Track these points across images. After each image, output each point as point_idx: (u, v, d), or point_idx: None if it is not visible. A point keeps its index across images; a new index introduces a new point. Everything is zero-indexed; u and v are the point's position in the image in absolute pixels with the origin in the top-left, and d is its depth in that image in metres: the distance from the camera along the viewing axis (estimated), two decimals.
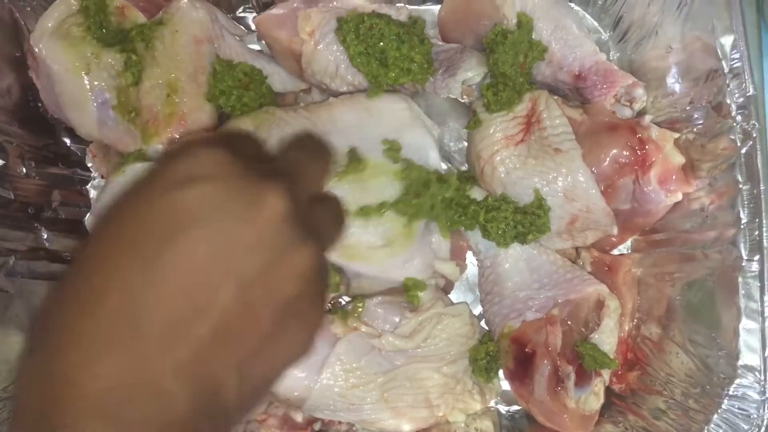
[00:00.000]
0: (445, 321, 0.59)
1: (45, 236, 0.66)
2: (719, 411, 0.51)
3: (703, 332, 0.55)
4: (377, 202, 0.57)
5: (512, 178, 0.59)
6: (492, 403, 0.63)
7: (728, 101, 0.54)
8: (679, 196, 0.60)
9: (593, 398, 0.57)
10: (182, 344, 0.27)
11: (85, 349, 0.27)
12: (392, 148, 0.58)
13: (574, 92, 0.65)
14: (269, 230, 0.29)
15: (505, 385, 0.62)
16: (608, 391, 0.60)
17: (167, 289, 0.27)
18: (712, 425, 0.51)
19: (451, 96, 0.63)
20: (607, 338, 0.58)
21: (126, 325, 0.27)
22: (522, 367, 0.57)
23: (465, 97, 0.63)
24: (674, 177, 0.59)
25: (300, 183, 0.33)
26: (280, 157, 0.35)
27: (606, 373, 0.59)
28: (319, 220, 0.33)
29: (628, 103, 0.63)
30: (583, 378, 0.57)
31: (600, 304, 0.58)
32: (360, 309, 0.60)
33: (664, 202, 0.60)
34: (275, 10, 0.64)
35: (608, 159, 0.60)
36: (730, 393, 0.51)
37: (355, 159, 0.57)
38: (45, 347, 0.27)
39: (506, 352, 0.59)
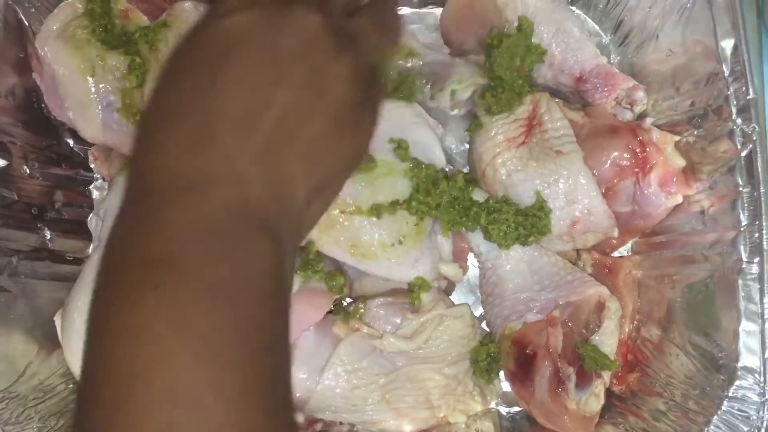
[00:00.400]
0: (447, 322, 0.60)
1: (48, 236, 0.66)
2: (719, 412, 0.51)
3: (703, 334, 0.55)
4: (389, 201, 0.57)
5: (513, 180, 0.60)
6: (493, 404, 0.63)
7: (728, 104, 0.55)
8: (680, 199, 0.60)
9: (594, 399, 0.57)
10: (254, 136, 0.31)
11: (182, 146, 0.31)
12: (400, 147, 0.59)
13: (575, 95, 0.65)
14: (307, 39, 0.33)
15: (506, 386, 0.62)
16: (608, 392, 0.60)
17: (232, 94, 0.32)
18: (712, 427, 0.51)
19: (440, 108, 0.63)
20: (608, 340, 0.58)
21: (208, 126, 0.31)
22: (523, 369, 0.58)
23: (455, 110, 0.63)
24: (675, 179, 0.59)
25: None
26: None
27: (606, 375, 0.59)
28: (363, 26, 0.37)
29: (629, 106, 0.64)
30: (583, 379, 0.57)
31: (601, 306, 0.59)
32: (362, 310, 0.60)
33: (664, 204, 0.60)
34: None
35: (609, 161, 0.60)
36: (730, 395, 0.51)
37: (366, 157, 0.58)
38: (148, 149, 0.32)
39: (507, 354, 0.59)
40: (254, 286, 0.30)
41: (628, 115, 0.64)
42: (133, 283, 0.29)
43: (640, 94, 0.63)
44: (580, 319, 0.58)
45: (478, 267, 0.65)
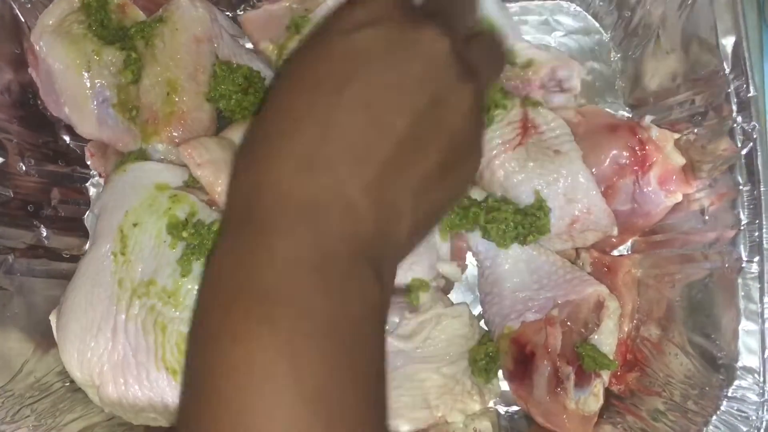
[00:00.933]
0: (445, 322, 0.59)
1: (44, 234, 0.66)
2: (718, 413, 0.51)
3: (702, 334, 0.54)
4: None
5: (513, 182, 0.59)
6: (491, 404, 0.63)
7: (729, 102, 0.54)
8: (679, 197, 0.59)
9: (592, 399, 0.57)
10: (369, 165, 0.30)
11: (293, 167, 0.30)
12: None
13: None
14: (435, 65, 0.32)
15: (505, 385, 0.62)
16: (607, 392, 0.60)
17: (352, 117, 0.31)
18: (711, 427, 0.51)
19: None
20: (607, 339, 0.58)
21: (323, 148, 0.30)
22: (521, 368, 0.57)
23: None
24: (674, 178, 0.59)
25: (455, 20, 0.36)
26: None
27: (605, 374, 0.59)
28: (477, 56, 0.36)
29: (558, 89, 0.62)
30: (582, 379, 0.57)
31: (600, 305, 0.58)
32: None
33: (664, 203, 0.60)
34: (259, 10, 0.64)
35: (608, 160, 0.60)
36: (729, 395, 0.51)
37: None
38: (254, 165, 0.32)
39: (506, 353, 0.59)
40: (364, 325, 0.29)
41: (561, 99, 0.62)
42: (243, 317, 0.28)
43: (564, 72, 0.61)
44: (579, 318, 0.58)
45: (477, 266, 0.65)
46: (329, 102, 0.31)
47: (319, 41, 0.34)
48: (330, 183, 0.30)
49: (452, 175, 0.34)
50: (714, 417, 0.51)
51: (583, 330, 0.58)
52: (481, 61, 0.36)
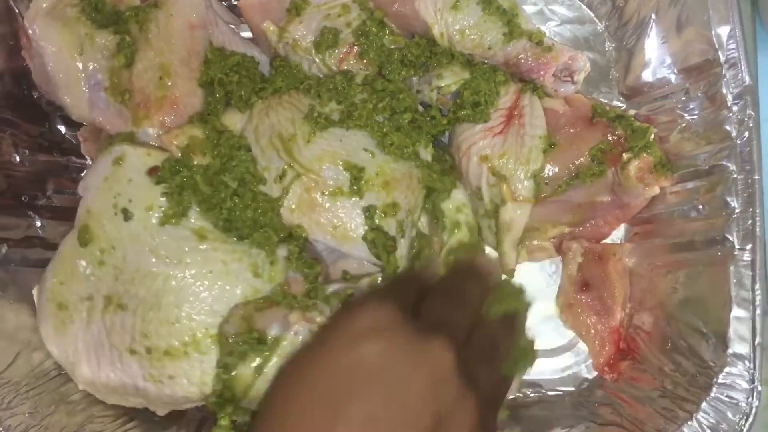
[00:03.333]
0: None
1: (39, 224, 0.66)
2: (708, 399, 0.51)
3: (694, 321, 0.55)
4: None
5: (476, 169, 0.59)
6: None
7: (724, 91, 0.54)
8: (657, 190, 0.59)
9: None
10: None
11: None
12: None
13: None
14: (439, 380, 0.32)
15: None
16: (600, 379, 0.60)
17: None
18: (701, 413, 0.51)
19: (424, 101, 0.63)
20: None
21: None
22: None
23: (441, 106, 0.62)
24: (652, 170, 0.59)
25: (458, 325, 0.36)
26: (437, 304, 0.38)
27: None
28: (482, 354, 0.36)
29: (569, 78, 0.62)
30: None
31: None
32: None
33: (642, 194, 0.60)
34: None
35: (588, 151, 0.59)
36: (720, 381, 0.51)
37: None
38: None
39: None
40: None
41: (570, 88, 0.62)
42: None
43: (579, 63, 0.61)
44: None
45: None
46: (330, 418, 0.31)
47: (322, 349, 0.34)
48: None
49: None
50: (704, 403, 0.51)
51: None
52: (484, 376, 0.35)
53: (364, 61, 0.62)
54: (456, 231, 0.61)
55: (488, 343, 0.38)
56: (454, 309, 0.38)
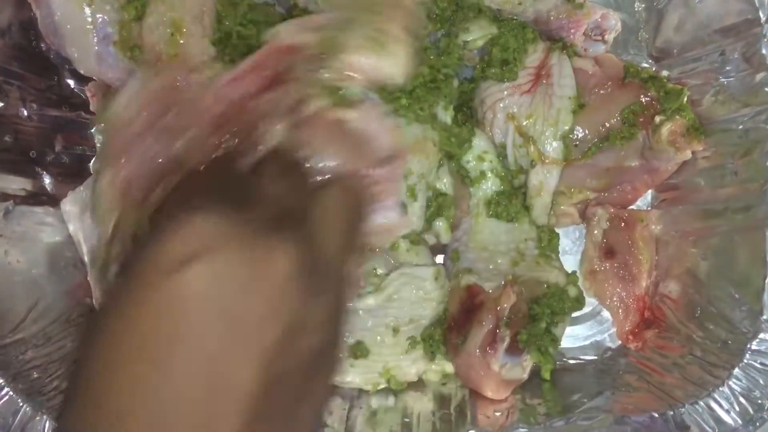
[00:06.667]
0: (413, 282, 0.57)
1: (47, 181, 0.64)
2: (741, 365, 0.50)
3: (725, 288, 0.53)
4: None
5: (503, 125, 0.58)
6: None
7: (764, 52, 0.52)
8: (688, 155, 0.58)
9: (519, 369, 0.55)
10: None
11: None
12: None
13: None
14: (281, 295, 0.27)
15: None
16: (624, 348, 0.59)
17: (185, 387, 0.26)
18: (733, 380, 0.50)
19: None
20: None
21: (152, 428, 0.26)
22: (464, 317, 0.56)
23: (467, 63, 0.61)
24: (685, 134, 0.57)
25: (307, 224, 0.31)
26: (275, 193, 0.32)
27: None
28: (332, 234, 0.31)
29: (600, 37, 0.60)
30: (514, 349, 0.55)
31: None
32: None
33: (673, 159, 0.58)
34: None
35: (618, 113, 0.58)
36: (753, 348, 0.50)
37: None
38: None
39: (456, 297, 0.57)
40: None
41: (601, 47, 0.61)
42: None
43: (611, 22, 0.59)
44: (535, 293, 0.56)
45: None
46: (156, 371, 0.26)
47: (138, 286, 0.27)
48: None
49: (314, 395, 0.30)
50: (736, 369, 0.50)
51: (535, 306, 0.56)
52: (336, 235, 0.31)
53: None
54: (483, 182, 0.59)
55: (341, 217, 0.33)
56: (297, 182, 0.33)
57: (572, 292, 0.56)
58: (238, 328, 0.27)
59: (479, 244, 0.59)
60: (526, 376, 0.56)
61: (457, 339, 0.56)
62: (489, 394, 0.55)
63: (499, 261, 0.58)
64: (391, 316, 0.57)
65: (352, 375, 0.58)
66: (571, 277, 0.59)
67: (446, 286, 0.59)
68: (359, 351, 0.57)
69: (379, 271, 0.57)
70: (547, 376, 0.58)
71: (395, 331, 0.58)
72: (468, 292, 0.57)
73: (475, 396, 0.57)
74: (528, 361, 0.56)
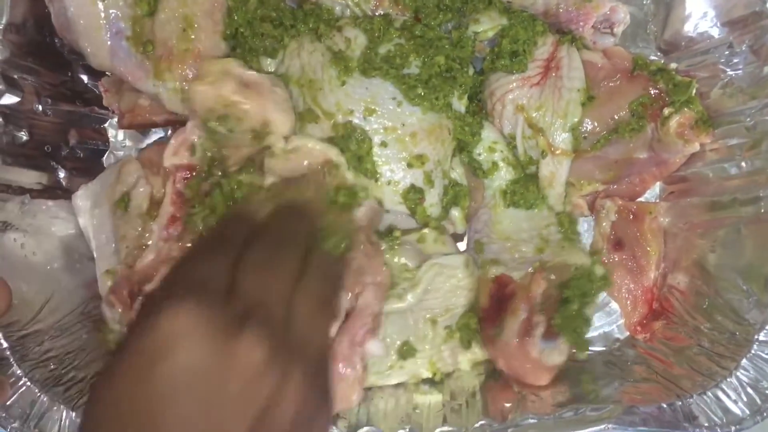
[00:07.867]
0: (446, 272, 0.58)
1: (62, 175, 0.65)
2: (748, 356, 0.50)
3: (733, 280, 0.54)
4: None
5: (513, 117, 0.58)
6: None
7: None
8: (697, 147, 0.58)
9: (557, 353, 0.55)
10: None
11: None
12: None
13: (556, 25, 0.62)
14: (252, 377, 0.31)
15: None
16: (632, 339, 0.59)
17: None
18: (741, 370, 0.50)
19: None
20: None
21: None
22: (496, 307, 0.56)
23: (477, 54, 0.61)
24: (693, 126, 0.57)
25: (275, 301, 0.34)
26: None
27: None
28: (304, 332, 0.34)
29: (609, 30, 0.61)
30: (551, 333, 0.54)
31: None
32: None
33: (681, 151, 0.59)
34: None
35: (627, 105, 0.58)
36: (761, 339, 0.50)
37: None
38: None
39: (485, 289, 0.58)
40: None
41: (609, 40, 0.61)
42: None
43: (619, 15, 0.60)
44: (563, 276, 0.56)
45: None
46: None
47: (123, 373, 0.31)
48: None
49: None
50: (744, 360, 0.50)
51: (564, 290, 0.55)
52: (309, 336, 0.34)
53: (399, 6, 0.60)
54: (496, 173, 0.59)
55: (315, 292, 0.37)
56: (272, 273, 0.35)
57: (599, 271, 0.55)
58: (215, 408, 0.29)
59: (502, 234, 0.60)
60: (564, 358, 0.56)
61: (492, 330, 0.56)
62: (533, 380, 0.55)
63: (524, 249, 0.58)
64: (427, 308, 0.58)
65: (402, 376, 0.58)
66: (596, 257, 0.58)
67: (476, 273, 0.60)
68: (407, 351, 0.58)
69: (410, 265, 0.58)
70: (583, 356, 0.57)
71: (433, 323, 0.58)
72: (497, 282, 0.57)
73: (486, 387, 0.58)
74: (564, 344, 0.55)
